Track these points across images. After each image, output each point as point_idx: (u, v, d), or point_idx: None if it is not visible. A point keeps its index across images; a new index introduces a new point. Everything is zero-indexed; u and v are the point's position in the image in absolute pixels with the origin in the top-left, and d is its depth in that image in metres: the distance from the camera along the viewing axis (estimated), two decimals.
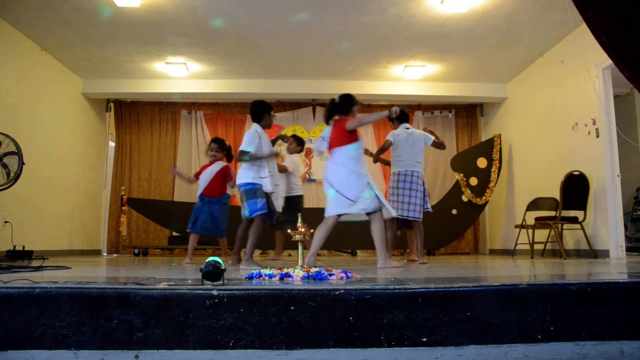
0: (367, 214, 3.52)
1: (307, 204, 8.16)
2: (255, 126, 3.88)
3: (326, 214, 3.55)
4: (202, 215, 4.72)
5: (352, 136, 3.56)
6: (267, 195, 3.76)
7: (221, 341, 1.57)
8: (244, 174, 3.73)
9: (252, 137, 3.75)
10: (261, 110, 3.93)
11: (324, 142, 3.71)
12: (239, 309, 1.59)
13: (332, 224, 3.53)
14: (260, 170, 3.74)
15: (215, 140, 4.99)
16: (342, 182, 3.50)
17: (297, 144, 5.34)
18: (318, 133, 8.37)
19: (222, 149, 4.90)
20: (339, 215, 3.55)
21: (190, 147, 8.34)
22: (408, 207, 4.33)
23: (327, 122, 3.78)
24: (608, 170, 5.24)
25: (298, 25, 5.68)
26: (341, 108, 3.69)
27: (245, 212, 3.71)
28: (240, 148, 3.70)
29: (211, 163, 4.89)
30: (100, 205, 8.03)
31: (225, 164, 4.90)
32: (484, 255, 7.65)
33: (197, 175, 4.92)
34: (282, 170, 5.00)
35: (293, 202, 5.02)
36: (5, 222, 5.34)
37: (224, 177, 4.83)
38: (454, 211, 7.18)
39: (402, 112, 4.51)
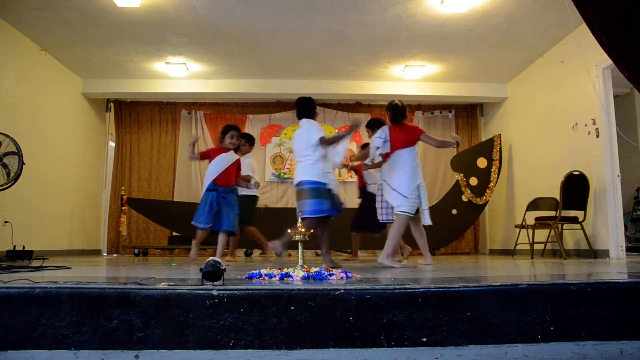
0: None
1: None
2: (312, 121, 3.85)
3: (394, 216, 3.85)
4: (227, 209, 4.35)
5: (415, 141, 3.95)
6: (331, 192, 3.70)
7: (221, 341, 1.57)
8: (312, 170, 3.63)
9: (319, 126, 3.81)
10: (313, 107, 3.92)
11: (386, 143, 3.93)
12: (239, 309, 1.59)
13: (404, 223, 3.79)
14: (326, 165, 3.70)
15: (237, 128, 4.69)
16: (397, 180, 3.81)
17: (250, 144, 5.39)
18: None
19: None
20: (410, 216, 3.81)
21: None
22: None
23: (396, 123, 3.99)
24: (608, 170, 5.24)
25: (298, 25, 5.68)
26: (404, 113, 4.03)
27: (302, 210, 3.57)
28: (321, 135, 3.66)
29: (222, 150, 4.54)
30: (100, 205, 8.03)
31: (238, 156, 4.65)
32: (484, 255, 7.65)
33: (203, 155, 4.57)
34: (247, 179, 4.87)
35: (247, 202, 4.98)
36: (5, 222, 5.34)
37: (237, 170, 4.59)
38: (454, 211, 7.18)
39: (379, 120, 4.84)
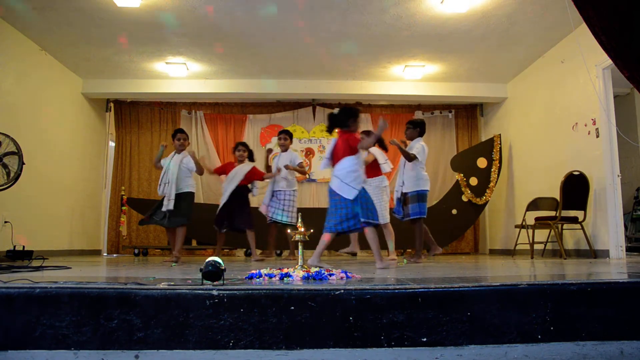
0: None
1: (308, 203, 8.15)
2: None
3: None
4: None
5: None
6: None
7: (221, 341, 1.57)
8: (425, 180, 4.72)
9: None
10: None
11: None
12: (239, 309, 1.59)
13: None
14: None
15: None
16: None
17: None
18: (318, 133, 8.36)
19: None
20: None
21: (190, 147, 8.31)
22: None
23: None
24: (608, 170, 5.23)
25: (298, 25, 5.68)
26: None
27: (409, 212, 4.62)
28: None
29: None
30: (100, 205, 8.03)
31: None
32: (484, 255, 7.65)
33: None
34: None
35: (181, 199, 4.95)
36: (5, 222, 5.34)
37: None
38: (454, 211, 7.18)
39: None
